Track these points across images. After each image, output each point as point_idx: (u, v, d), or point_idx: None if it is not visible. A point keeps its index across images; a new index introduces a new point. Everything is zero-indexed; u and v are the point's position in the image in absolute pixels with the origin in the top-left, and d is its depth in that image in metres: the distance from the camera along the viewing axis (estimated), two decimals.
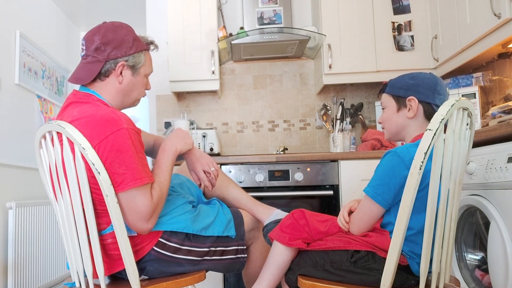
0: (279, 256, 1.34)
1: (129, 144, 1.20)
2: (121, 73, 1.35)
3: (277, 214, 1.59)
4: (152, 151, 1.63)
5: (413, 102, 1.27)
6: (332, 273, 1.23)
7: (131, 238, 1.27)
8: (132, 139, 1.22)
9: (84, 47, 1.34)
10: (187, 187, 1.59)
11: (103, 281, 1.22)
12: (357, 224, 1.25)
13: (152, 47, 1.46)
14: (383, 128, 1.41)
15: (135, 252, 1.28)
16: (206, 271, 1.43)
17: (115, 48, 1.33)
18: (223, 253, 1.42)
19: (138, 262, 1.29)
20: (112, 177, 1.18)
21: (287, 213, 1.59)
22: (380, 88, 1.43)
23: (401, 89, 1.31)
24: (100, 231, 1.27)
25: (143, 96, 1.48)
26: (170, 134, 1.50)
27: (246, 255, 1.48)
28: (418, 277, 1.15)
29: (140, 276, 1.30)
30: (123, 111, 1.40)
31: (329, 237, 1.31)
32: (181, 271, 1.37)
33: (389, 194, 1.17)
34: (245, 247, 1.48)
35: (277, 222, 1.54)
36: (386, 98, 1.37)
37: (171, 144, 1.42)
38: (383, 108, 1.39)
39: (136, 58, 1.37)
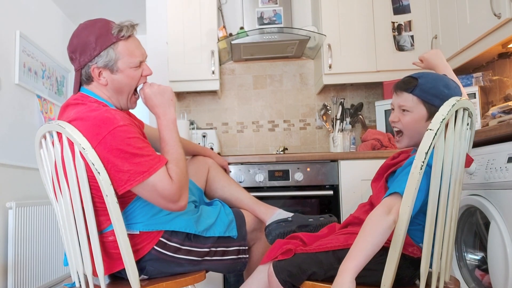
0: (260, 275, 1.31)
1: (127, 140, 1.19)
2: (99, 75, 1.31)
3: (279, 214, 1.58)
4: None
5: None
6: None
7: (131, 237, 1.27)
8: (130, 134, 1.21)
9: (73, 55, 1.34)
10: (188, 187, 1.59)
11: (103, 281, 1.22)
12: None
13: (123, 33, 1.30)
14: (398, 132, 1.32)
15: (136, 252, 1.28)
16: (207, 272, 1.43)
17: (81, 54, 1.29)
18: (224, 253, 1.42)
19: (138, 262, 1.29)
20: (118, 176, 1.18)
21: (289, 213, 1.59)
22: (400, 82, 1.30)
23: (436, 98, 1.21)
24: (102, 228, 1.28)
25: (144, 82, 1.40)
26: (149, 98, 1.38)
27: (247, 256, 1.47)
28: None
29: (140, 275, 1.30)
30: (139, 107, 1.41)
31: (331, 237, 1.29)
32: (181, 271, 1.37)
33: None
34: (247, 247, 1.48)
35: (279, 222, 1.54)
36: (414, 102, 1.25)
37: (164, 113, 1.36)
38: (403, 109, 1.28)
39: (104, 57, 1.28)
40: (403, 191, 1.07)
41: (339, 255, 1.21)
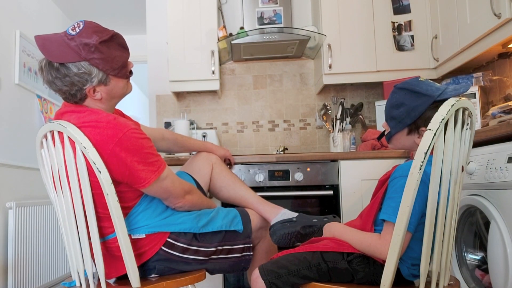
0: None
1: (141, 141, 1.25)
2: (94, 92, 1.28)
3: (284, 213, 1.59)
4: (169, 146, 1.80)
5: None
6: (325, 273, 1.21)
7: (138, 240, 1.32)
8: (141, 136, 1.26)
9: (79, 30, 1.24)
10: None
11: (103, 280, 1.22)
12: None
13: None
14: (389, 142, 1.36)
15: (144, 253, 1.33)
16: (212, 273, 1.45)
17: (102, 60, 1.25)
18: (229, 251, 1.44)
19: (148, 262, 1.34)
20: (137, 174, 1.24)
21: (294, 213, 1.60)
22: (386, 113, 1.31)
23: (408, 118, 1.24)
24: (106, 234, 1.30)
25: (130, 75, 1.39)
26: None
27: (251, 253, 1.48)
28: (405, 280, 1.18)
29: (151, 274, 1.37)
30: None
31: (325, 241, 1.28)
32: (189, 269, 1.40)
33: (414, 217, 1.10)
34: (251, 245, 1.49)
35: (284, 222, 1.54)
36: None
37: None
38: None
39: (96, 76, 1.27)
40: (389, 217, 1.12)
41: (326, 257, 1.21)
